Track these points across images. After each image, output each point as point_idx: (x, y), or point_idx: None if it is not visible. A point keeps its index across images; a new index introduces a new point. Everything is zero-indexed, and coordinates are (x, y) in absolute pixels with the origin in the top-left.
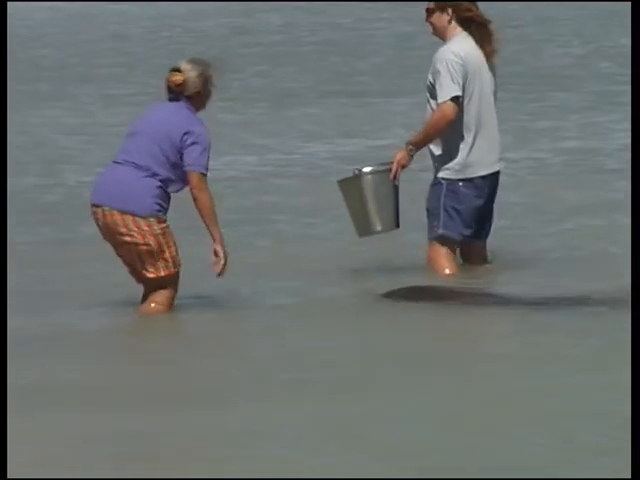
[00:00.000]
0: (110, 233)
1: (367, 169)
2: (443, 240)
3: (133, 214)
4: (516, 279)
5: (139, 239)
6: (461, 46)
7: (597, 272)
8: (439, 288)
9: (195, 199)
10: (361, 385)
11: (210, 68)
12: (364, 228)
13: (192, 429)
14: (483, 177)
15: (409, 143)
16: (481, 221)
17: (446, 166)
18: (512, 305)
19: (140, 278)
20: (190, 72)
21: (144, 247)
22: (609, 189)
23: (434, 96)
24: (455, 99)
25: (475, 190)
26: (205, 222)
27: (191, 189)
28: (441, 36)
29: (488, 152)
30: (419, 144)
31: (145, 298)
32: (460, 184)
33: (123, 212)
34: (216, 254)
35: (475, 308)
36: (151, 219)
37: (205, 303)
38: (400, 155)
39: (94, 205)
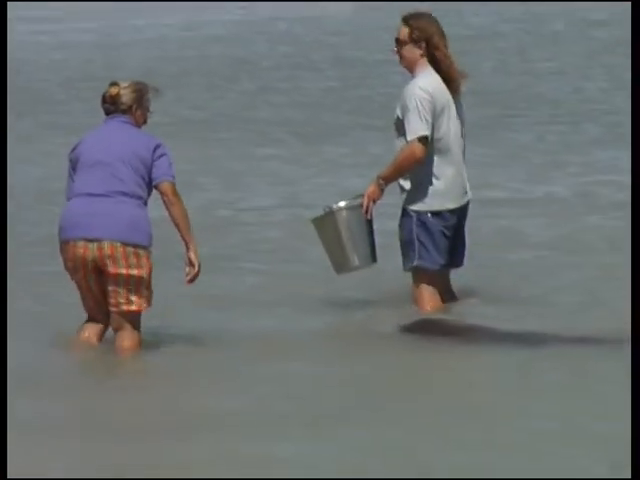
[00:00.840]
0: (100, 267)
1: (340, 205)
2: (420, 271)
3: (136, 245)
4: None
5: (136, 271)
6: (428, 81)
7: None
8: (440, 322)
9: (172, 209)
10: (364, 413)
11: (148, 88)
12: (341, 265)
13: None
14: (451, 210)
15: (379, 177)
16: (450, 252)
17: (415, 198)
18: (503, 340)
19: (116, 312)
20: (125, 87)
21: (138, 279)
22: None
23: (402, 131)
24: (423, 139)
25: (443, 222)
26: (181, 230)
27: (167, 199)
28: (409, 68)
29: (456, 185)
30: (389, 179)
31: (93, 329)
32: (429, 215)
33: (126, 244)
34: (191, 261)
35: (468, 342)
36: (149, 249)
37: (202, 334)
38: (371, 189)
39: (87, 240)
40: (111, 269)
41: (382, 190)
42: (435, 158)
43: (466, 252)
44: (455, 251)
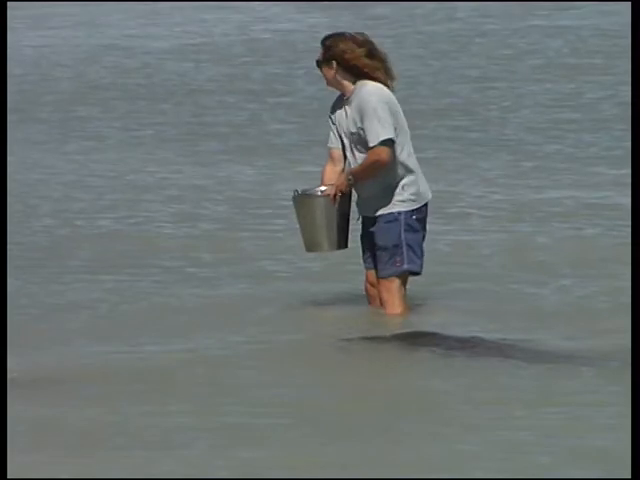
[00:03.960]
0: None
1: (319, 189)
2: (404, 276)
3: None
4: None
5: None
6: (373, 86)
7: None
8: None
9: None
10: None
11: None
12: (311, 244)
13: None
14: (426, 204)
15: (350, 173)
16: None
17: (400, 199)
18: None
19: None
20: None
21: None
22: None
23: (363, 142)
24: (388, 141)
25: (423, 219)
26: None
27: None
28: (335, 87)
29: (424, 181)
30: (357, 178)
31: None
32: (414, 216)
33: None
34: None
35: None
36: None
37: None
38: (340, 181)
39: None
40: None
41: (350, 185)
42: (403, 157)
43: None
44: None
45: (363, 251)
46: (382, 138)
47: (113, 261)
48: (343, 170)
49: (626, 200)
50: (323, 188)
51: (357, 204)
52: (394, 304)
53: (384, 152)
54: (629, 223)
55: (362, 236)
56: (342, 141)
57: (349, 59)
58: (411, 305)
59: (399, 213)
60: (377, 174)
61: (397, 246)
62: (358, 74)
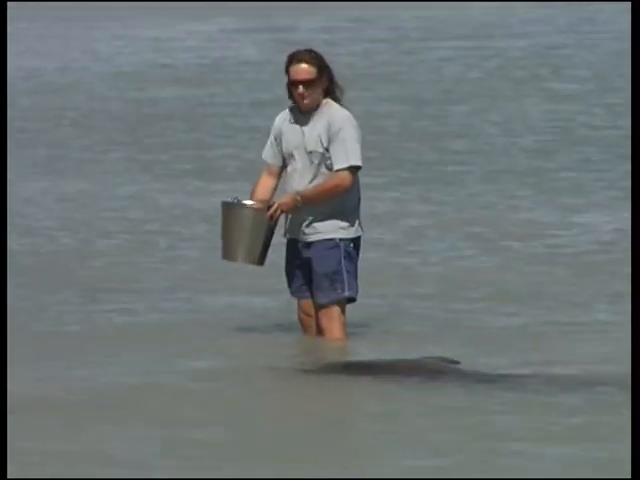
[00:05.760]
0: None
1: (251, 202)
2: (344, 303)
3: None
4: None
5: None
6: (344, 110)
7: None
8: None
9: None
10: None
11: None
12: (229, 253)
13: None
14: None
15: (299, 194)
16: None
17: (342, 226)
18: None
19: None
20: None
21: None
22: None
23: (325, 161)
24: (355, 169)
25: (357, 249)
26: None
27: None
28: (312, 105)
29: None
30: (309, 201)
31: None
32: (352, 244)
33: None
34: None
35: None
36: None
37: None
38: (285, 200)
39: None
40: None
41: (295, 207)
42: (357, 185)
43: None
44: None
45: (292, 280)
46: (352, 163)
47: (73, 281)
48: (276, 188)
49: (583, 220)
50: (250, 203)
51: (288, 226)
52: (335, 330)
53: (348, 178)
54: (572, 243)
55: (291, 262)
56: (285, 159)
57: (332, 77)
58: (351, 332)
59: (340, 240)
60: (333, 198)
61: (338, 272)
62: (328, 92)
